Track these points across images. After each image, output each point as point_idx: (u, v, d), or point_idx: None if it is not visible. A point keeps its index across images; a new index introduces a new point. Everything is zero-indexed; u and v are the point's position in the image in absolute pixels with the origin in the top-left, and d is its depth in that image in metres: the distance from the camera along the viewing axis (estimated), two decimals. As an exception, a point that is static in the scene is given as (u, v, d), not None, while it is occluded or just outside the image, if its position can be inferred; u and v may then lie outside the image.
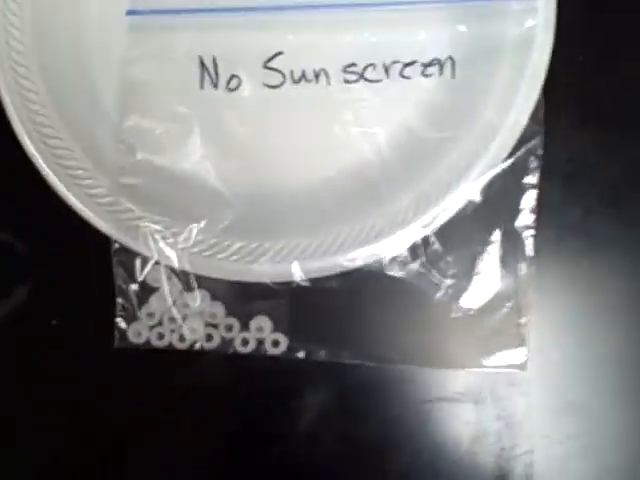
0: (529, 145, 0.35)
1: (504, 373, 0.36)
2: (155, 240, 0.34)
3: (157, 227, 0.35)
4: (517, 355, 0.36)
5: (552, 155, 0.35)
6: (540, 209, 0.35)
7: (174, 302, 0.36)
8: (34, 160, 0.35)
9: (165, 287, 0.35)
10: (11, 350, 0.37)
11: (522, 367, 0.36)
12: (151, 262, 0.35)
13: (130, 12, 0.37)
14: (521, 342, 0.35)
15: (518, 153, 0.35)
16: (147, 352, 0.36)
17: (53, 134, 0.35)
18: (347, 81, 0.36)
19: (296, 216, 0.35)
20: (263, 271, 0.35)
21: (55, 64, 0.36)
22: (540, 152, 0.35)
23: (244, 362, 0.36)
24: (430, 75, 0.36)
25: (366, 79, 0.36)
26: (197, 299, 0.36)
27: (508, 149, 0.35)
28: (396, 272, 0.35)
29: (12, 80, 0.35)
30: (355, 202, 0.36)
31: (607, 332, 0.36)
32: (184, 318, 0.36)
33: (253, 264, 0.35)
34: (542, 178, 0.35)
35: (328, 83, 0.36)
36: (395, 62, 0.36)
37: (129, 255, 0.35)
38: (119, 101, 0.36)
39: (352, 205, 0.35)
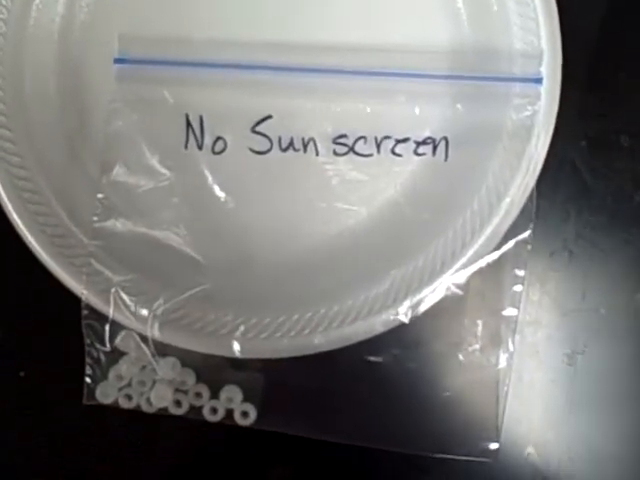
0: (518, 238, 0.34)
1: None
2: (126, 306, 0.34)
3: (129, 293, 0.34)
4: (490, 445, 0.35)
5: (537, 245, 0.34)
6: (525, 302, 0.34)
7: (143, 367, 0.35)
8: (9, 215, 0.34)
9: (134, 354, 0.34)
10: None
11: (494, 457, 0.35)
12: (121, 333, 0.34)
13: (118, 61, 0.36)
14: (496, 433, 0.35)
15: (506, 246, 0.34)
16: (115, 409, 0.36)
17: (30, 187, 0.34)
18: (336, 153, 0.35)
19: (272, 290, 0.35)
20: (234, 346, 0.34)
21: (35, 113, 0.35)
22: (529, 247, 0.34)
23: (212, 429, 0.36)
24: (422, 154, 0.35)
25: (356, 153, 0.35)
26: (167, 367, 0.35)
27: (496, 241, 0.33)
28: (372, 356, 0.35)
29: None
30: (336, 280, 0.35)
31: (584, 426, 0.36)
32: (153, 383, 0.35)
33: (225, 338, 0.34)
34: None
35: (316, 154, 0.35)
36: (387, 137, 0.35)
37: (99, 317, 0.34)
38: (99, 156, 0.35)
39: (330, 284, 0.34)
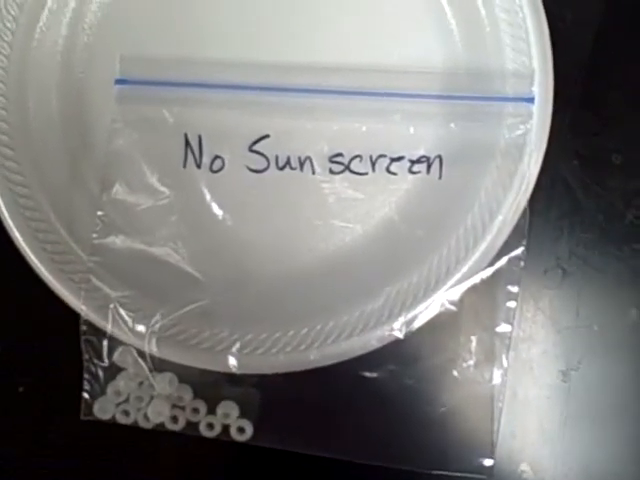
0: (511, 255, 0.34)
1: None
2: (124, 322, 0.34)
3: (127, 308, 0.34)
4: (485, 461, 0.35)
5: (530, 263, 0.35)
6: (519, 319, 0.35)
7: (141, 383, 0.35)
8: (10, 231, 0.35)
9: (131, 369, 0.35)
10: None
11: (489, 474, 0.35)
12: (119, 348, 0.34)
13: (119, 81, 0.36)
14: (491, 449, 0.35)
15: (499, 263, 0.34)
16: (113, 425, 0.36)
17: (31, 205, 0.35)
18: (332, 171, 0.36)
19: (269, 306, 0.35)
20: (230, 361, 0.34)
21: (38, 132, 0.36)
22: (522, 263, 0.34)
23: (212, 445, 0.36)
24: (417, 172, 0.35)
25: (351, 171, 0.36)
26: (164, 382, 0.35)
27: (490, 258, 0.34)
28: (368, 372, 0.35)
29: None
30: (331, 297, 0.35)
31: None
32: (150, 399, 0.35)
33: (221, 353, 0.34)
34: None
35: (313, 172, 0.36)
36: (382, 156, 0.35)
37: (98, 333, 0.35)
38: (100, 174, 0.36)
39: (326, 300, 0.35)
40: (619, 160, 0.36)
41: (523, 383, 0.36)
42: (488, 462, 0.35)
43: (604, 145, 0.37)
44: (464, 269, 0.34)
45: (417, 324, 0.34)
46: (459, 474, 0.35)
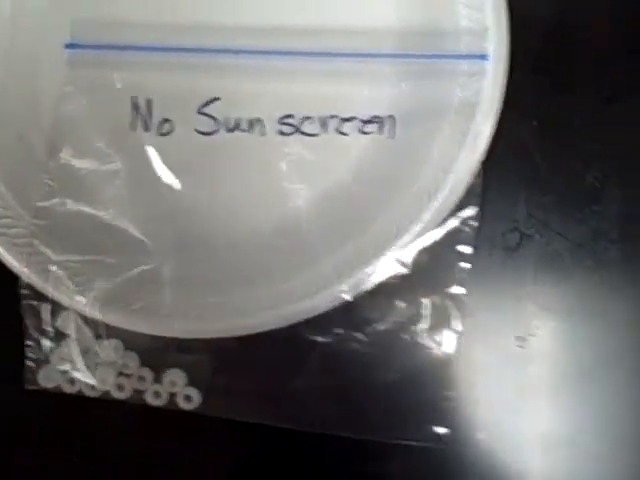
0: (464, 215, 0.33)
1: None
2: (66, 285, 0.33)
3: (70, 272, 0.33)
4: (440, 430, 0.34)
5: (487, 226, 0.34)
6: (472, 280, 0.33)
7: (86, 350, 0.34)
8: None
9: (74, 335, 0.34)
10: None
11: (444, 443, 0.34)
12: (62, 314, 0.34)
13: (69, 46, 0.36)
14: (446, 418, 0.34)
15: (452, 222, 0.33)
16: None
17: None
18: (282, 133, 0.35)
19: (216, 270, 0.34)
20: (175, 326, 0.33)
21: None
22: (476, 224, 0.33)
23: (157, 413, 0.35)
24: (369, 133, 0.34)
25: (302, 132, 0.35)
26: (109, 349, 0.34)
27: (442, 217, 0.33)
28: (317, 336, 0.34)
29: None
30: (281, 259, 0.34)
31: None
32: (96, 366, 0.34)
33: (166, 318, 0.33)
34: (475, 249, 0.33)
35: (263, 134, 0.35)
36: (333, 117, 0.35)
37: (40, 298, 0.34)
38: (48, 138, 0.35)
39: (274, 264, 0.34)
40: (579, 122, 0.35)
41: (479, 349, 0.34)
42: (443, 430, 0.34)
43: (564, 106, 0.36)
44: (415, 229, 0.33)
45: (366, 286, 0.33)
46: (414, 443, 0.34)
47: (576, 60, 0.36)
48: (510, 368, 0.34)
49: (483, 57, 0.33)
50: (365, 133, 0.35)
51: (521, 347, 0.34)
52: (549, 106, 0.35)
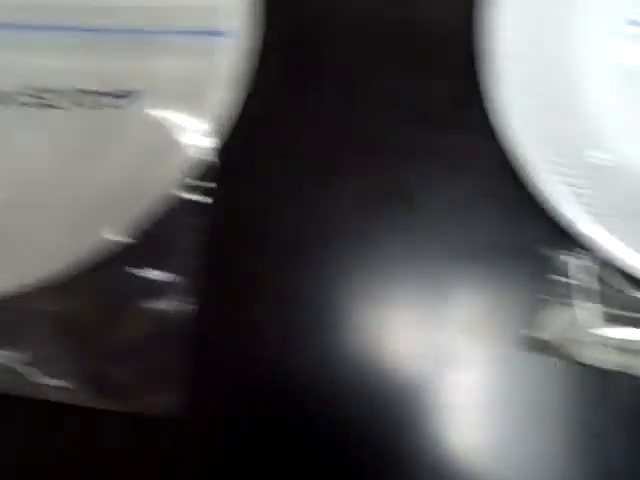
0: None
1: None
2: None
3: None
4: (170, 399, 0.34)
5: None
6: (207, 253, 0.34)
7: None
8: None
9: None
10: None
11: (174, 412, 0.34)
12: None
13: None
14: (179, 386, 0.34)
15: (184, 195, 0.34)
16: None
17: None
18: (23, 104, 0.35)
19: None
20: None
21: None
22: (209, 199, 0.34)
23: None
24: (108, 106, 0.35)
25: (44, 105, 0.35)
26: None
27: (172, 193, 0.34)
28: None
29: None
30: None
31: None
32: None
33: None
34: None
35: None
36: (79, 91, 0.35)
37: None
38: None
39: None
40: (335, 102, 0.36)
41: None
42: (172, 398, 0.34)
43: (317, 86, 0.36)
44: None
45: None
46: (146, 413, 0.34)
47: (321, 43, 0.37)
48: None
49: (215, 33, 0.34)
50: (105, 106, 0.35)
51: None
52: (301, 86, 0.36)
